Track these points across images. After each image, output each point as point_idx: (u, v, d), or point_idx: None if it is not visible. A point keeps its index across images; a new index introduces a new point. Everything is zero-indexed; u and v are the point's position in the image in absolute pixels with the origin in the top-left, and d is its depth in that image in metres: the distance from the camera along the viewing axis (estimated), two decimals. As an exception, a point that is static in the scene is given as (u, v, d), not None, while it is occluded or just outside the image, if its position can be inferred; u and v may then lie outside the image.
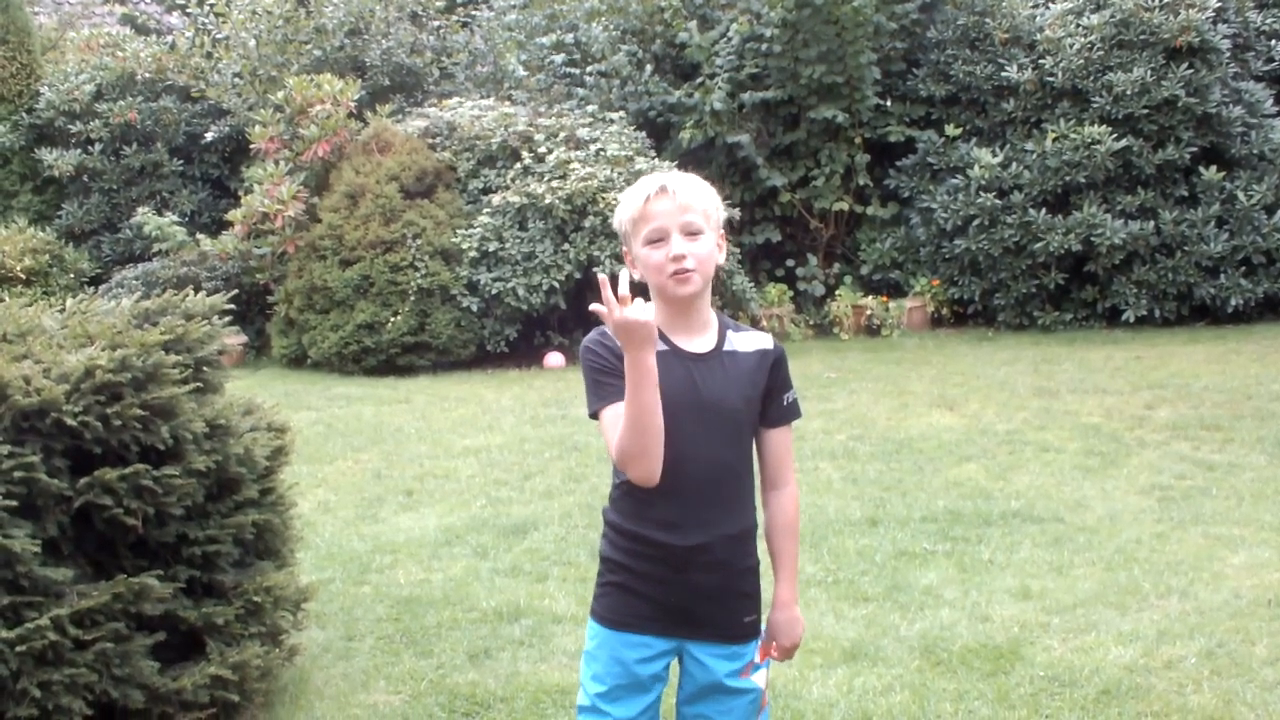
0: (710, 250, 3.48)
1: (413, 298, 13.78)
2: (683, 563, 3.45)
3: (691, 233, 3.43)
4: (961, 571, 6.96)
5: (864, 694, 5.47)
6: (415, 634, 6.30)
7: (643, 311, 3.11)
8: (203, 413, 5.01)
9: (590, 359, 3.42)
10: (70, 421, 4.54)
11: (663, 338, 3.41)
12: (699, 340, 3.51)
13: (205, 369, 5.28)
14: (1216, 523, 7.66)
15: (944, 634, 6.08)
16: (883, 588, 6.75)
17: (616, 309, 3.10)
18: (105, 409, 4.64)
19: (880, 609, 6.46)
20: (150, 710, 4.74)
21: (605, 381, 3.37)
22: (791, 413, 3.62)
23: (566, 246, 14.05)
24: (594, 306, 3.15)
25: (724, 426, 3.46)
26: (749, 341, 3.57)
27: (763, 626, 3.66)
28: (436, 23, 18.50)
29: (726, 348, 3.52)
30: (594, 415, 3.44)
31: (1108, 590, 6.60)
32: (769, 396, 3.54)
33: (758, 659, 3.61)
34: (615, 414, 3.33)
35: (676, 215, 3.42)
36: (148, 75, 17.50)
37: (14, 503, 4.39)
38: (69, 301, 5.70)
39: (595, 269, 13.60)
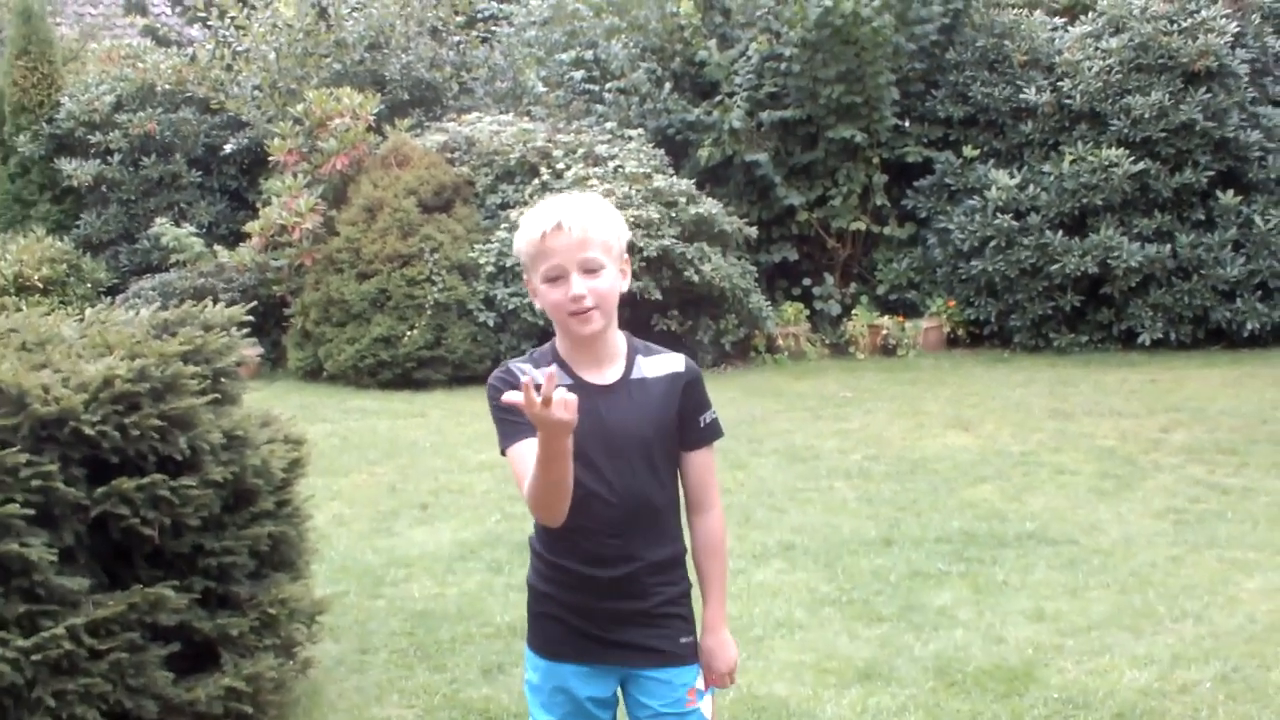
0: (612, 284, 3.34)
1: (429, 312, 13.79)
2: (608, 592, 3.41)
3: (590, 270, 3.28)
4: (976, 592, 6.95)
5: (878, 714, 5.47)
6: (429, 648, 6.31)
7: (565, 410, 2.95)
8: (220, 424, 5.02)
9: (495, 397, 3.29)
10: (88, 431, 4.56)
11: (568, 371, 3.35)
12: (607, 371, 3.41)
13: (223, 380, 5.30)
14: (1232, 547, 7.64)
15: (958, 655, 6.07)
16: (897, 608, 6.74)
17: (536, 405, 2.93)
18: (123, 419, 4.65)
19: (894, 629, 6.45)
20: (164, 720, 4.75)
21: (511, 420, 3.28)
22: (710, 433, 3.50)
23: (583, 262, 14.03)
24: (508, 397, 3.00)
25: (635, 457, 3.38)
26: (660, 366, 3.46)
27: None
28: (456, 38, 18.53)
29: (635, 375, 3.42)
30: (503, 453, 3.39)
31: (1122, 613, 6.59)
32: (684, 420, 3.45)
33: (700, 686, 3.56)
34: (521, 452, 3.29)
35: (574, 252, 3.27)
36: (167, 87, 17.55)
37: (31, 511, 4.41)
38: (88, 311, 5.72)
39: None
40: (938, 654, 6.09)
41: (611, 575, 3.39)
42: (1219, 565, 7.32)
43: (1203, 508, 8.51)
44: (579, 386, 3.27)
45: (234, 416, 5.21)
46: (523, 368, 3.19)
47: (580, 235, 3.27)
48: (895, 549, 7.75)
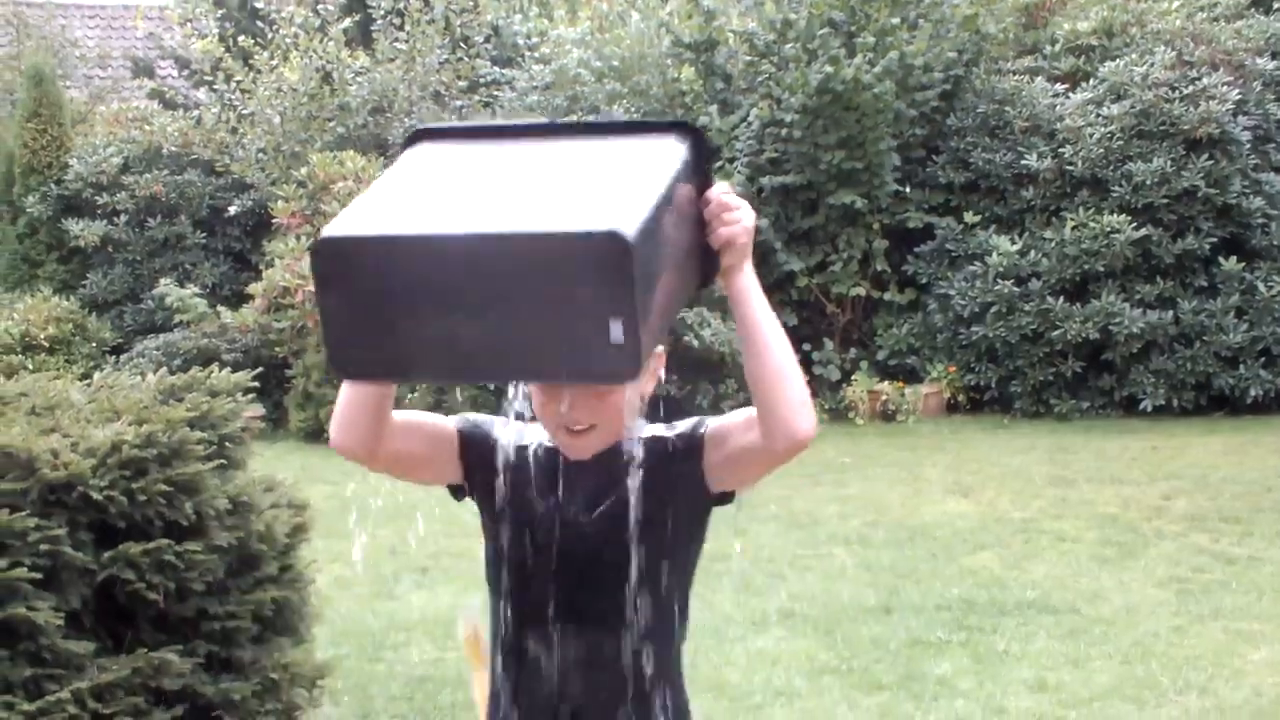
0: (619, 398, 2.71)
1: (430, 375, 13.81)
2: None
3: None
4: (976, 662, 6.94)
5: (879, 784, 5.46)
6: (429, 713, 6.31)
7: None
8: (226, 489, 5.05)
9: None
10: (96, 496, 4.58)
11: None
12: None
13: (229, 445, 5.32)
14: (1236, 617, 7.64)
15: (959, 725, 6.07)
16: (897, 677, 6.74)
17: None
18: (130, 484, 4.68)
19: (894, 698, 6.45)
20: (166, 786, 4.76)
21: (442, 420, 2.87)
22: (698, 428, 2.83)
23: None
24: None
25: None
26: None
27: None
28: (459, 102, 18.65)
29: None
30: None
31: (1125, 684, 6.58)
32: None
33: None
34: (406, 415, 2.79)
35: None
36: (174, 149, 17.65)
37: (38, 575, 4.43)
38: (95, 375, 5.75)
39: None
40: (939, 723, 6.09)
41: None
42: (1223, 636, 7.31)
43: (1206, 577, 8.50)
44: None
45: (239, 482, 5.24)
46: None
47: None
48: (895, 617, 7.74)
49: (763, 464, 2.73)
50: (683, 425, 2.83)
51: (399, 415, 2.75)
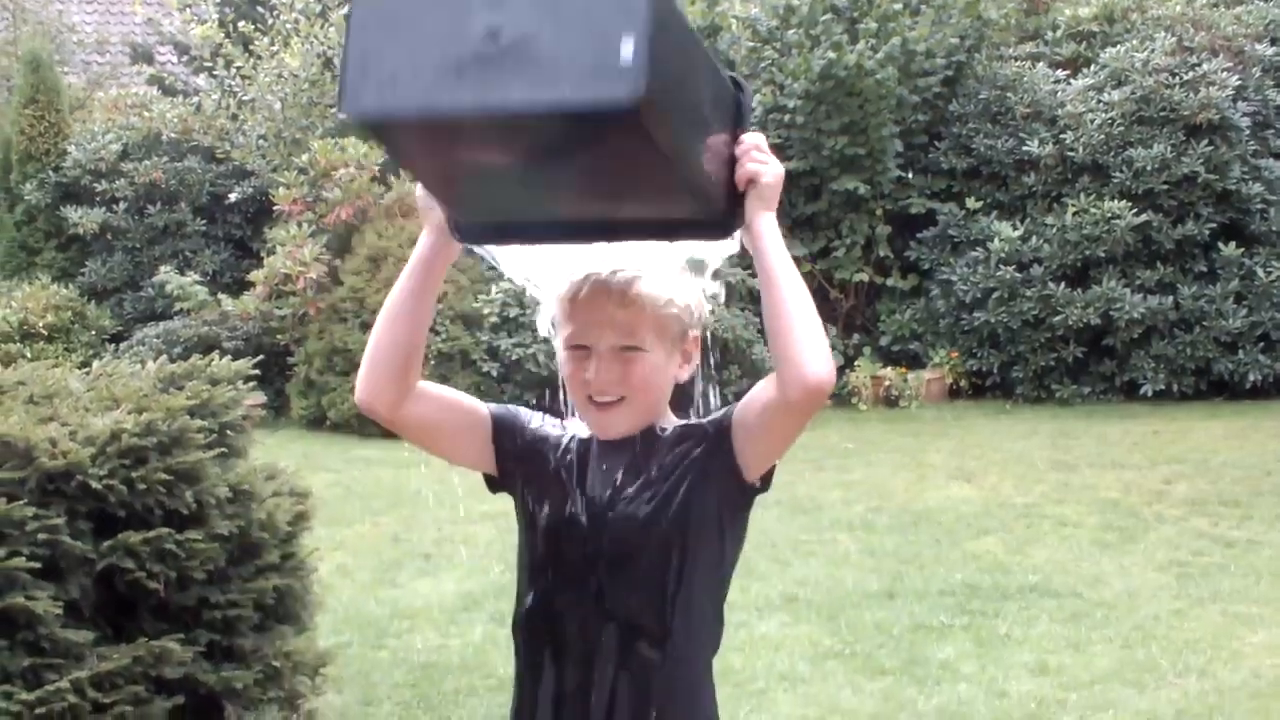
0: (654, 372, 2.66)
1: (433, 361, 13.80)
2: None
3: (627, 347, 2.63)
4: (979, 646, 6.95)
5: (881, 769, 5.46)
6: (433, 700, 6.31)
7: None
8: (226, 477, 5.05)
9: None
10: (95, 485, 4.58)
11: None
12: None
13: (229, 433, 5.32)
14: (1235, 601, 7.64)
15: (961, 709, 6.07)
16: (900, 661, 6.74)
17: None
18: (130, 473, 4.67)
19: (898, 683, 6.45)
20: (168, 775, 4.76)
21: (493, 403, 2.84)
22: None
23: (586, 312, 14.06)
24: None
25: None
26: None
27: None
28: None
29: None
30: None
31: (1125, 668, 6.58)
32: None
33: None
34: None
35: (610, 326, 2.62)
36: (173, 135, 17.59)
37: (37, 564, 4.43)
38: (95, 364, 5.74)
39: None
40: (941, 708, 6.09)
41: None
42: (1223, 619, 7.32)
43: (1206, 561, 8.51)
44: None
45: (240, 470, 5.24)
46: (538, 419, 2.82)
47: (623, 306, 2.63)
48: (898, 602, 7.75)
49: (782, 422, 2.59)
50: (715, 414, 2.74)
51: (436, 387, 2.75)
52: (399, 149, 2.41)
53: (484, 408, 2.80)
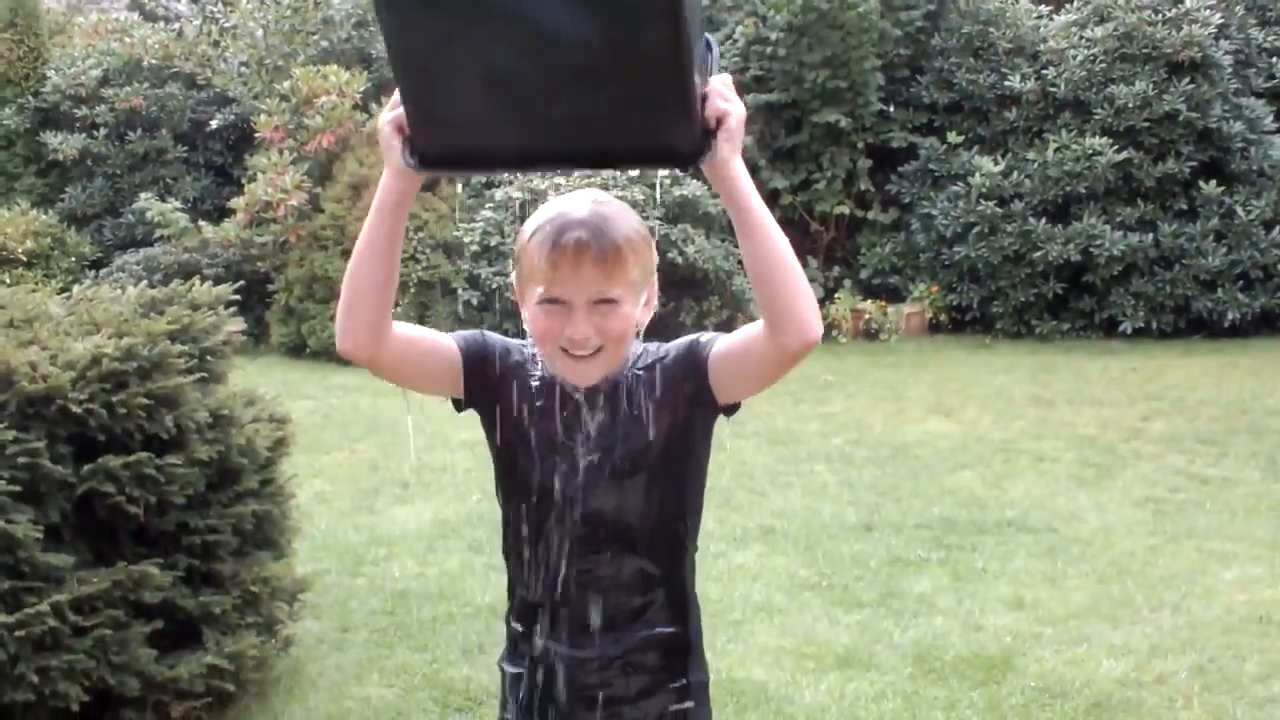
0: (628, 321, 2.65)
1: (413, 290, 13.80)
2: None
3: (604, 300, 2.60)
4: (955, 580, 6.99)
5: (855, 700, 5.50)
6: (409, 627, 6.33)
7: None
8: (206, 403, 5.04)
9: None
10: (75, 409, 4.57)
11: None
12: None
13: (209, 359, 5.31)
14: (1209, 537, 7.69)
15: (937, 642, 6.11)
16: (876, 594, 6.78)
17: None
18: (110, 397, 4.67)
19: (874, 615, 6.49)
20: (145, 698, 4.78)
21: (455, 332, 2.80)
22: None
23: (567, 243, 14.05)
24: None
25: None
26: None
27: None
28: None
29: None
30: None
31: (1100, 602, 6.63)
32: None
33: None
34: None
35: (589, 285, 2.58)
36: (154, 62, 17.44)
37: (17, 488, 4.43)
38: (75, 289, 5.72)
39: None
40: (916, 641, 6.13)
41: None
42: (1197, 556, 7.37)
43: (1182, 498, 8.56)
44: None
45: (220, 395, 5.23)
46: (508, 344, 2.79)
47: (601, 266, 2.59)
48: (875, 535, 7.78)
49: (774, 371, 2.62)
50: (677, 345, 2.76)
51: (407, 328, 2.73)
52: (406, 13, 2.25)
53: (454, 344, 2.77)
